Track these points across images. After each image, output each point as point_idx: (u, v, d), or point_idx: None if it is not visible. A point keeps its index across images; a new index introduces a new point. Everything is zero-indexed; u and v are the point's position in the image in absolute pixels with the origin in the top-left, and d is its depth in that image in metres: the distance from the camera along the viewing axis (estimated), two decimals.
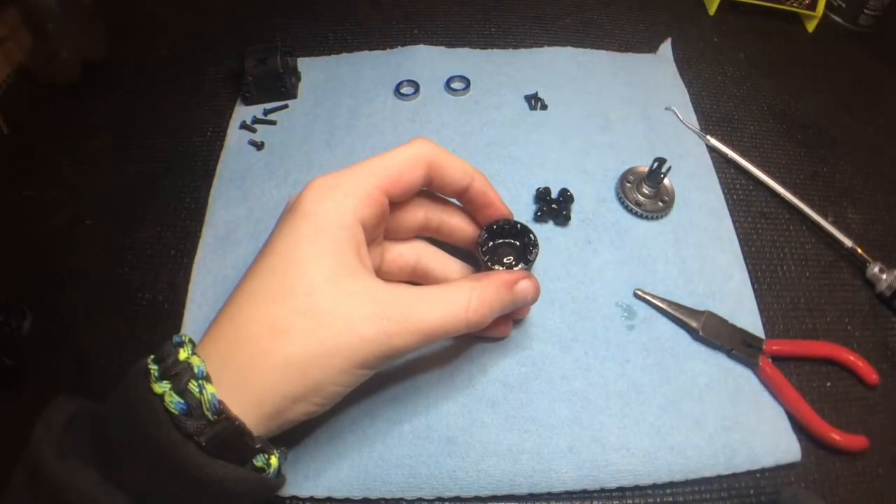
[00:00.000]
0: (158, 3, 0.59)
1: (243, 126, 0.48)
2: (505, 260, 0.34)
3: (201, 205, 0.44)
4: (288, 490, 0.32)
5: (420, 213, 0.34)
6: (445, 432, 0.33)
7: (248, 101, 0.50)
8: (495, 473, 0.32)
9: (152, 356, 0.26)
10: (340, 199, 0.28)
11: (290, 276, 0.27)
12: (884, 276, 0.40)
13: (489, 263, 0.33)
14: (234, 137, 0.48)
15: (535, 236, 0.34)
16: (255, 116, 0.49)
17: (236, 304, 0.27)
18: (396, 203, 0.32)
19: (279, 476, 0.28)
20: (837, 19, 0.59)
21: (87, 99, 0.51)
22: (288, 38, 0.50)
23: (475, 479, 0.32)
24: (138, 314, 0.39)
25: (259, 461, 0.26)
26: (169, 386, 0.24)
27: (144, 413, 0.24)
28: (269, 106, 0.49)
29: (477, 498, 0.32)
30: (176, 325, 0.38)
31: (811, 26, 0.58)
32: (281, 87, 0.49)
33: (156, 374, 0.25)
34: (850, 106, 0.51)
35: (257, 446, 0.26)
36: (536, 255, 0.33)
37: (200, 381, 0.24)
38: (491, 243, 0.34)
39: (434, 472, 0.32)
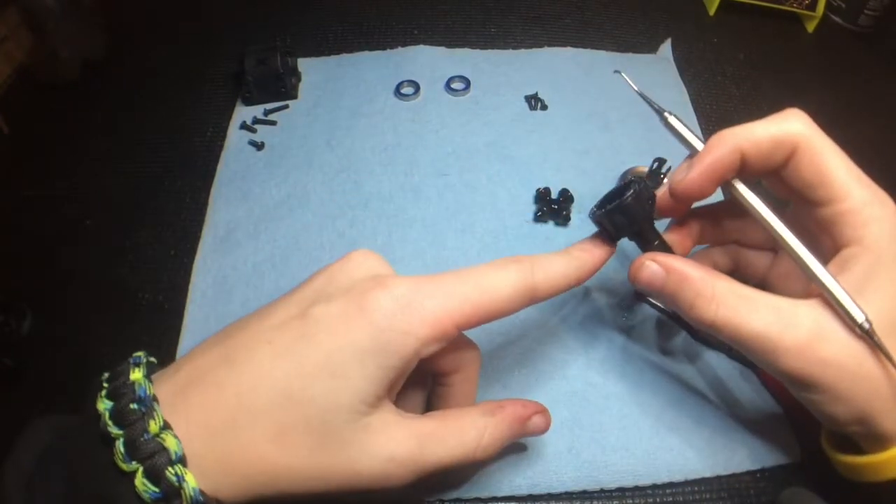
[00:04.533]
0: (158, 2, 0.59)
1: (243, 126, 0.48)
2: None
3: (201, 205, 0.44)
4: None
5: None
6: None
7: (249, 102, 0.50)
8: (495, 474, 0.32)
9: (109, 405, 0.23)
10: (416, 325, 0.24)
11: (317, 385, 0.23)
12: None
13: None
14: (235, 138, 0.48)
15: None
16: (255, 117, 0.49)
17: (251, 375, 0.24)
18: None
19: None
20: (837, 19, 0.59)
21: (87, 99, 0.51)
22: (288, 38, 0.50)
23: (475, 479, 0.32)
24: (138, 314, 0.39)
25: None
26: (141, 469, 0.21)
27: (112, 496, 0.21)
28: (269, 106, 0.49)
29: (477, 499, 0.32)
30: (176, 326, 0.38)
31: (811, 26, 0.58)
32: (281, 87, 0.49)
33: (122, 449, 0.21)
34: (850, 106, 0.51)
35: None
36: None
37: (177, 468, 0.21)
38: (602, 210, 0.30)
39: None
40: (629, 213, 0.29)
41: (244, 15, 0.57)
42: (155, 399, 0.23)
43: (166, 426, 0.22)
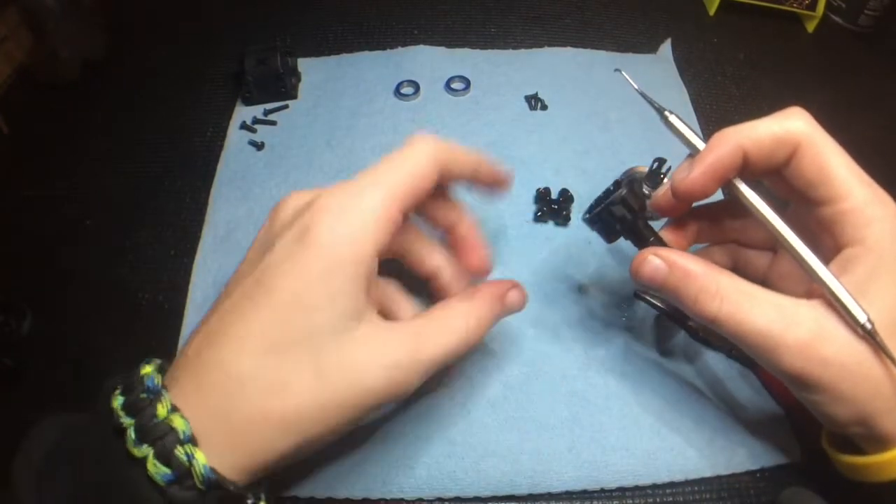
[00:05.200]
0: (158, 3, 0.59)
1: (243, 126, 0.48)
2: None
3: (201, 205, 0.44)
4: (288, 490, 0.32)
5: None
6: (445, 433, 0.33)
7: (248, 102, 0.49)
8: (495, 474, 0.32)
9: (120, 400, 0.23)
10: (358, 226, 0.25)
11: (295, 324, 0.24)
12: None
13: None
14: (235, 137, 0.48)
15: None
16: (255, 117, 0.49)
17: (230, 346, 0.24)
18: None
19: None
20: (837, 19, 0.59)
21: (87, 99, 0.51)
22: (288, 38, 0.50)
23: (475, 479, 0.32)
24: (138, 314, 0.39)
25: None
26: (151, 452, 0.22)
27: (127, 478, 0.22)
28: (269, 106, 0.49)
29: (477, 498, 0.32)
30: (176, 326, 0.38)
31: (811, 26, 0.58)
32: (281, 87, 0.49)
33: (133, 435, 0.22)
34: (850, 106, 0.51)
35: (250, 502, 0.24)
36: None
37: (187, 447, 0.22)
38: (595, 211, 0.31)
39: (434, 473, 0.32)
40: (621, 212, 0.29)
41: (244, 15, 0.57)
42: (164, 387, 0.24)
43: (174, 409, 0.23)
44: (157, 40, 0.56)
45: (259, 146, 0.47)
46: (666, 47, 0.55)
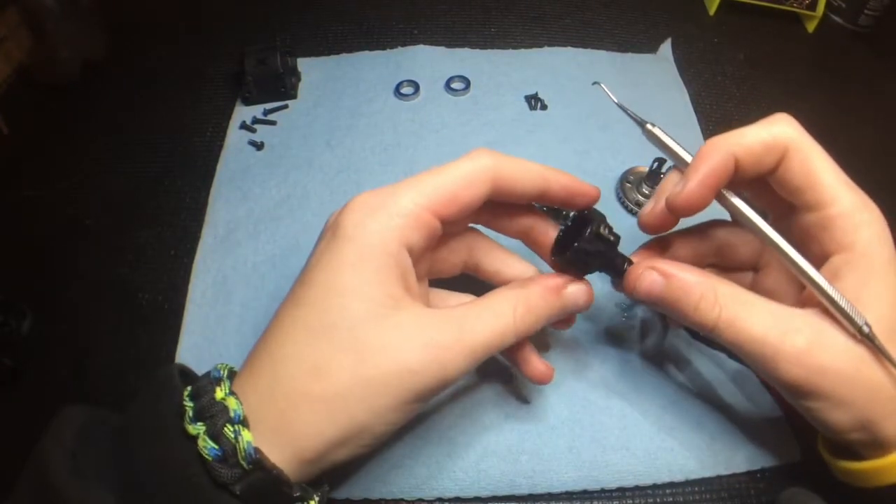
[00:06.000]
0: (158, 2, 0.59)
1: (243, 126, 0.48)
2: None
3: (201, 205, 0.44)
4: None
5: (463, 252, 0.32)
6: (445, 433, 0.33)
7: (248, 101, 0.49)
8: (495, 474, 0.32)
9: (189, 389, 0.24)
10: (385, 221, 0.26)
11: (331, 310, 0.25)
12: None
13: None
14: (234, 137, 0.48)
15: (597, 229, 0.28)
16: (255, 116, 0.49)
17: (275, 337, 0.26)
18: (451, 223, 0.29)
19: None
20: (837, 19, 0.59)
21: (87, 99, 0.51)
22: (288, 38, 0.50)
23: (475, 479, 0.32)
24: (138, 314, 0.39)
25: None
26: (203, 429, 0.23)
27: (177, 455, 0.23)
28: (269, 106, 0.49)
29: (477, 498, 0.32)
30: (176, 326, 0.38)
31: (811, 26, 0.58)
32: (281, 87, 0.49)
33: (191, 413, 0.23)
34: (850, 106, 0.51)
35: (296, 494, 0.24)
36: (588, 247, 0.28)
37: (236, 426, 0.23)
38: (567, 253, 0.29)
39: (434, 473, 0.32)
40: (592, 251, 0.28)
41: (244, 15, 0.57)
42: (228, 377, 0.25)
43: (231, 393, 0.24)
44: (157, 40, 0.56)
45: (259, 146, 0.47)
46: (666, 47, 0.55)
